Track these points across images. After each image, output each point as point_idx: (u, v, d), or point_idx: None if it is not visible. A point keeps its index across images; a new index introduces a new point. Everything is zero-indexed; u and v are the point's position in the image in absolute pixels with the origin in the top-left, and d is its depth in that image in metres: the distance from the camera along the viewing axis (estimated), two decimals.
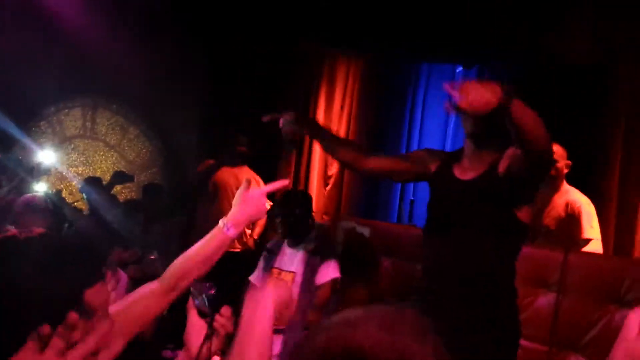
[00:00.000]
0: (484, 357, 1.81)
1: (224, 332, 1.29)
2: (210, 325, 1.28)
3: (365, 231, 3.44)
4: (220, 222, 1.48)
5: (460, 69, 4.90)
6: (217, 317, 1.29)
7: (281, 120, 2.10)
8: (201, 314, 1.31)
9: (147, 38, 4.78)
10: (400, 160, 2.23)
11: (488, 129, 1.88)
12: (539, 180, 1.92)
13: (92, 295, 0.95)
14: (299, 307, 2.92)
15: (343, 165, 2.37)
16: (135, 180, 4.88)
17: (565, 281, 2.34)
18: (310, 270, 2.95)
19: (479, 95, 1.56)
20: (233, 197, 4.62)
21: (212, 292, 1.29)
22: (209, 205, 4.23)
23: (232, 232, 1.48)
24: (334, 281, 2.98)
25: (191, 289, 1.34)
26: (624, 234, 3.56)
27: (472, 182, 1.92)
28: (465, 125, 1.95)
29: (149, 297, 1.39)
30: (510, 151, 1.84)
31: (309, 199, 3.32)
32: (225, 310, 1.30)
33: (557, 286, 2.38)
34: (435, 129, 5.14)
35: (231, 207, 4.87)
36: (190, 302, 1.34)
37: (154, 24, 4.88)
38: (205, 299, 1.29)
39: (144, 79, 4.81)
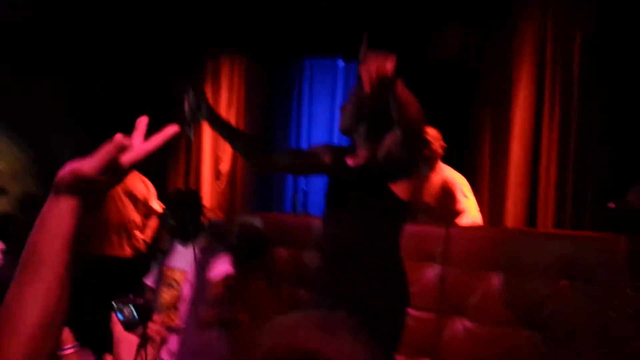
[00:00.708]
0: (377, 323, 1.96)
1: (159, 338, 1.26)
2: (143, 335, 1.25)
3: (259, 223, 3.48)
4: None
5: (342, 63, 5.08)
6: (150, 324, 1.26)
7: (185, 102, 2.08)
8: (128, 326, 1.27)
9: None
10: (299, 155, 2.39)
11: (367, 123, 2.10)
12: (414, 158, 2.09)
13: None
14: (192, 304, 2.89)
15: (242, 159, 2.37)
16: (7, 192, 4.54)
17: (449, 253, 2.53)
18: (202, 267, 2.92)
19: (381, 64, 1.63)
20: (120, 201, 4.45)
21: (141, 301, 1.26)
22: (95, 212, 4.05)
23: None
24: (226, 276, 2.96)
25: (114, 304, 1.29)
26: (497, 206, 3.90)
27: (359, 168, 2.11)
28: (342, 122, 2.16)
29: None
30: (389, 137, 2.01)
31: (198, 196, 3.30)
32: (156, 316, 1.27)
33: (442, 258, 2.57)
34: (322, 122, 5.28)
35: (119, 213, 4.64)
36: (114, 318, 1.30)
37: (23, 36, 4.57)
38: (134, 310, 1.26)
39: (9, 86, 4.48)
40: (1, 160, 5.04)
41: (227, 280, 2.97)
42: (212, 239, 3.06)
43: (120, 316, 1.27)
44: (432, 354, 2.56)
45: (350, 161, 2.17)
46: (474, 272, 2.49)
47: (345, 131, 2.20)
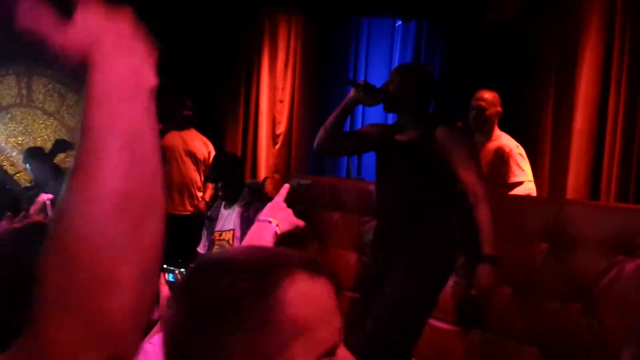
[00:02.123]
0: (424, 266, 2.26)
1: None
2: None
3: (309, 187, 3.53)
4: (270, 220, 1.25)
5: (399, 23, 4.97)
6: None
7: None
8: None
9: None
10: (357, 138, 2.67)
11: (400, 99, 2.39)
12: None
13: None
14: None
15: (321, 144, 2.63)
16: None
17: (500, 224, 2.50)
18: (247, 222, 3.02)
19: None
20: (182, 160, 4.60)
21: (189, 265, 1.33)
22: None
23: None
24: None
25: (164, 266, 1.36)
26: (558, 177, 3.78)
27: (409, 142, 2.34)
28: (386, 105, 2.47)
29: None
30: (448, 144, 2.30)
31: (239, 161, 3.50)
32: None
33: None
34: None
35: (181, 173, 4.80)
36: (163, 278, 1.35)
37: None
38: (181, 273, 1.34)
39: None
40: (73, 117, 5.29)
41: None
42: (252, 196, 3.16)
43: (170, 277, 1.34)
44: (481, 324, 2.57)
45: (398, 136, 2.39)
46: (526, 244, 2.46)
47: (387, 108, 2.48)
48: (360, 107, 5.02)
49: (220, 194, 3.25)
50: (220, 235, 3.15)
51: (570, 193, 3.66)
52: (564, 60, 3.83)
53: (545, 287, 2.41)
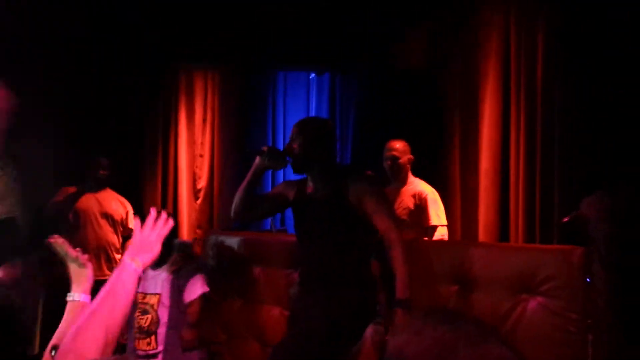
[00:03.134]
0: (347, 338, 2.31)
1: None
2: None
3: (235, 242, 3.50)
4: (131, 263, 1.29)
5: (313, 75, 5.13)
6: None
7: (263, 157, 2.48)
8: None
9: None
10: (272, 201, 2.71)
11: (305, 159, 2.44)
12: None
13: None
14: (171, 327, 2.92)
15: (237, 214, 2.66)
16: None
17: (413, 267, 2.58)
18: (178, 289, 2.95)
19: None
20: (97, 223, 4.45)
21: None
22: (71, 235, 4.06)
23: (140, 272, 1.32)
24: (203, 296, 3.00)
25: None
26: (469, 217, 3.96)
27: (322, 199, 2.43)
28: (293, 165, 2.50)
29: None
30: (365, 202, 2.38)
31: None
32: None
33: None
34: None
35: (96, 235, 4.63)
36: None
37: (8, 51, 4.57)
38: None
39: None
40: None
41: (203, 300, 3.01)
42: (184, 261, 3.08)
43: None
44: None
45: (310, 193, 2.48)
46: (437, 287, 2.54)
47: (297, 171, 2.51)
48: None
49: None
50: (144, 297, 3.04)
51: (481, 233, 3.83)
52: (467, 104, 4.07)
53: None
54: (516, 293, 2.31)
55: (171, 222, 1.47)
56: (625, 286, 2.43)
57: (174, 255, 3.09)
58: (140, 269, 1.28)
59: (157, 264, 3.05)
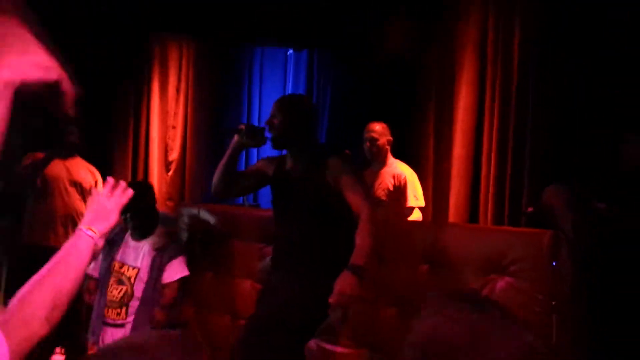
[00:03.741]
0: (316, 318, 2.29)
1: None
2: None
3: (207, 216, 3.48)
4: (87, 231, 1.25)
5: (291, 51, 5.10)
6: None
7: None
8: None
9: None
10: (251, 177, 2.71)
11: (294, 135, 2.45)
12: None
13: None
14: (143, 304, 2.90)
15: (216, 190, 2.69)
16: None
17: (383, 247, 2.62)
18: (157, 268, 2.92)
19: None
20: (66, 191, 4.36)
21: None
22: (38, 202, 3.97)
23: (100, 244, 1.27)
24: (182, 280, 2.98)
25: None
26: (441, 199, 4.03)
27: (300, 176, 2.43)
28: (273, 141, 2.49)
29: None
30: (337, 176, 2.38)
31: (148, 188, 3.28)
32: None
33: (379, 253, 2.65)
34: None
35: (65, 204, 4.53)
36: None
37: None
38: None
39: None
40: None
41: (182, 283, 2.99)
42: (167, 239, 3.04)
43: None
44: (368, 345, 2.65)
45: (288, 170, 2.49)
46: (408, 266, 2.59)
47: (276, 147, 2.50)
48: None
49: (129, 225, 3.05)
50: (121, 267, 2.99)
51: (452, 215, 3.91)
52: (443, 90, 4.12)
53: None
54: (486, 273, 2.37)
55: (130, 192, 1.44)
56: (593, 273, 2.52)
57: (158, 228, 3.05)
58: (96, 237, 1.25)
59: (140, 235, 3.01)
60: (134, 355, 0.85)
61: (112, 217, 1.31)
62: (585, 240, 2.57)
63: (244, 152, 5.21)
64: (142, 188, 3.17)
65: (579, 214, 2.87)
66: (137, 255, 2.98)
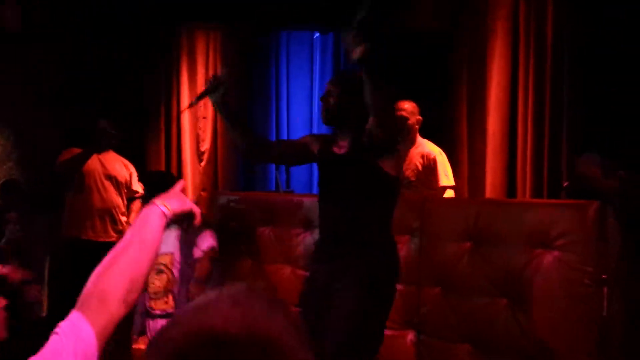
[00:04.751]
0: (370, 296, 2.19)
1: None
2: None
3: (240, 203, 3.50)
4: (160, 206, 1.17)
5: (317, 35, 5.06)
6: None
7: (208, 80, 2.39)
8: None
9: None
10: (292, 147, 2.62)
11: (341, 113, 2.33)
12: (393, 136, 2.35)
13: None
14: (182, 284, 2.93)
15: (244, 152, 2.65)
16: None
17: (426, 226, 2.59)
18: (187, 246, 2.95)
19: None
20: (102, 185, 4.42)
21: None
22: (76, 197, 4.04)
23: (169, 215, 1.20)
24: (211, 250, 3.00)
25: None
26: (476, 177, 3.96)
27: (348, 155, 2.33)
28: (323, 116, 2.41)
29: None
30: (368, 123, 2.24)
31: (173, 178, 3.34)
32: None
33: (419, 231, 2.63)
34: (300, 94, 5.28)
35: (101, 198, 4.59)
36: None
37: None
38: None
39: None
40: None
41: (212, 254, 3.01)
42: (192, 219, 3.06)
43: None
44: (413, 326, 2.64)
45: (337, 149, 2.38)
46: (451, 244, 2.55)
47: (328, 122, 2.41)
48: (284, 104, 5.12)
49: None
50: (158, 257, 3.04)
51: (488, 193, 3.84)
52: (474, 67, 4.03)
53: (471, 284, 2.50)
54: (531, 248, 2.33)
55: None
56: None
57: None
58: (169, 214, 1.16)
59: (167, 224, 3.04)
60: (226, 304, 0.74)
61: (185, 201, 1.23)
62: (632, 206, 2.49)
63: (285, 126, 5.21)
64: (166, 177, 3.22)
65: (619, 181, 2.80)
66: (167, 241, 3.02)
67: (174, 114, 5.01)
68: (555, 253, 2.27)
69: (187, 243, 2.97)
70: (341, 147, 2.37)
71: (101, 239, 3.98)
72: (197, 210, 1.26)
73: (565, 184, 3.32)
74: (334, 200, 2.36)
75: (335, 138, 2.43)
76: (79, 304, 0.93)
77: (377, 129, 2.19)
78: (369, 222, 2.28)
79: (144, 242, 1.06)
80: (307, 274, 2.70)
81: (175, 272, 2.96)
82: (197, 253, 2.97)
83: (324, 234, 2.42)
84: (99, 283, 0.96)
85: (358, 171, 2.29)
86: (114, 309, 0.94)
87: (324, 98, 2.38)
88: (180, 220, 1.24)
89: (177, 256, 2.97)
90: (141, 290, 1.04)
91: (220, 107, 2.40)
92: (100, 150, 4.08)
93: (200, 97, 2.41)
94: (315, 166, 5.20)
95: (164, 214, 1.14)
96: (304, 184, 4.95)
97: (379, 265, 2.25)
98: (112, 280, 0.96)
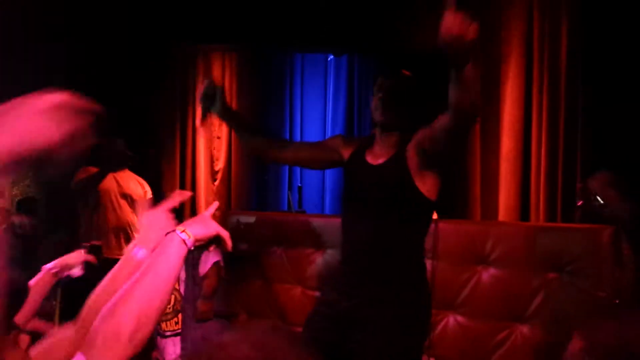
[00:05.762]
0: (398, 326, 1.94)
1: None
2: None
3: (254, 223, 3.50)
4: (180, 234, 1.10)
5: (331, 57, 5.10)
6: None
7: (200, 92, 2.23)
8: None
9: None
10: (316, 148, 2.29)
11: (394, 113, 2.01)
12: (456, 151, 2.11)
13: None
14: (187, 302, 2.94)
15: (253, 153, 2.45)
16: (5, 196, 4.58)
17: (438, 248, 2.57)
18: (192, 264, 2.97)
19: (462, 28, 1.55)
20: (117, 203, 4.47)
21: None
22: (91, 215, 4.09)
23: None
24: (216, 266, 3.01)
25: None
26: (489, 198, 3.94)
27: (382, 166, 2.01)
28: (374, 114, 2.05)
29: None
30: (423, 131, 1.96)
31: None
32: None
33: (431, 253, 2.61)
34: (315, 115, 5.32)
35: (116, 216, 4.65)
36: None
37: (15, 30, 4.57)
38: None
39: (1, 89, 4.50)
40: None
41: (218, 270, 3.02)
42: None
43: None
44: (424, 349, 2.61)
45: (369, 157, 2.06)
46: (463, 267, 2.53)
47: (384, 122, 2.03)
48: (298, 100, 5.13)
49: None
50: None
51: (501, 213, 3.81)
52: (488, 87, 4.03)
53: (483, 308, 2.48)
54: (544, 272, 2.30)
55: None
56: None
57: None
58: (190, 242, 1.07)
59: None
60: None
61: (211, 225, 1.13)
62: None
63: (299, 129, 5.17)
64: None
65: (634, 204, 2.77)
66: None
67: (189, 134, 5.08)
68: (568, 277, 2.24)
69: (190, 260, 2.99)
70: (377, 157, 2.05)
71: (115, 256, 4.02)
72: (225, 234, 1.17)
73: (579, 203, 3.29)
74: (360, 219, 2.03)
75: (372, 145, 2.09)
76: (84, 343, 0.89)
77: (443, 135, 1.87)
78: (401, 250, 1.99)
79: (158, 275, 0.99)
80: (320, 295, 2.52)
81: (182, 290, 2.98)
82: (203, 270, 2.99)
83: (348, 257, 2.10)
84: (105, 322, 0.91)
85: (393, 188, 1.97)
86: (120, 350, 0.89)
87: (377, 96, 2.04)
88: (207, 246, 1.16)
89: (182, 275, 2.99)
90: (153, 327, 0.96)
91: (222, 115, 2.25)
92: (116, 169, 4.14)
93: (205, 112, 2.29)
94: (328, 185, 5.21)
95: (184, 241, 1.07)
96: (315, 204, 4.96)
97: (413, 304, 1.99)
98: (119, 319, 0.91)
